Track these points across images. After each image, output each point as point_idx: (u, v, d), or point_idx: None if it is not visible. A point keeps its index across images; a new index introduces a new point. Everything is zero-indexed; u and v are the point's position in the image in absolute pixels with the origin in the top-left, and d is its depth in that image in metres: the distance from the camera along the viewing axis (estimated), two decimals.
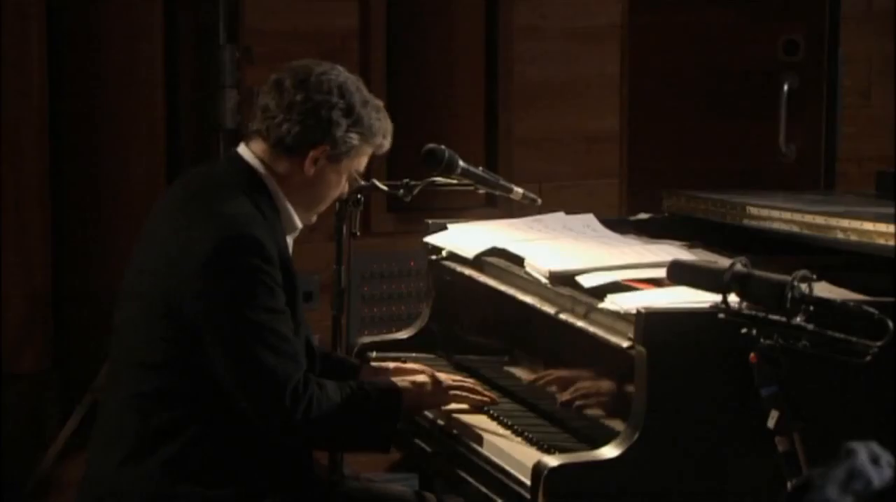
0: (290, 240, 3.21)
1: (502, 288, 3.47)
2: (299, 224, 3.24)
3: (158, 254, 3.11)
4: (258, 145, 3.20)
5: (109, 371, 3.25)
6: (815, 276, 2.56)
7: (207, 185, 3.20)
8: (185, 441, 3.04)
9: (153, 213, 3.24)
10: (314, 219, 3.32)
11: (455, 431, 3.28)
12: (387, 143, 3.29)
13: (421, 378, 3.31)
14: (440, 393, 3.30)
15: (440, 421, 3.35)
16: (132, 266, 3.20)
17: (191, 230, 3.07)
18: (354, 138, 3.18)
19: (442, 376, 3.35)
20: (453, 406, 3.34)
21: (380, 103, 3.27)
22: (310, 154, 3.16)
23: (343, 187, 3.28)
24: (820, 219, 3.46)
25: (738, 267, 2.62)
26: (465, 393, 3.34)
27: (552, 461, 2.84)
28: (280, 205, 3.19)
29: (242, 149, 3.22)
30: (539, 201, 3.80)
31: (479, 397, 3.35)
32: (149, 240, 3.19)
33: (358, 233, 3.68)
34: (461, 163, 3.68)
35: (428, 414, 3.39)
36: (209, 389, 3.03)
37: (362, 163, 3.27)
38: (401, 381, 3.28)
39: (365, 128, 3.20)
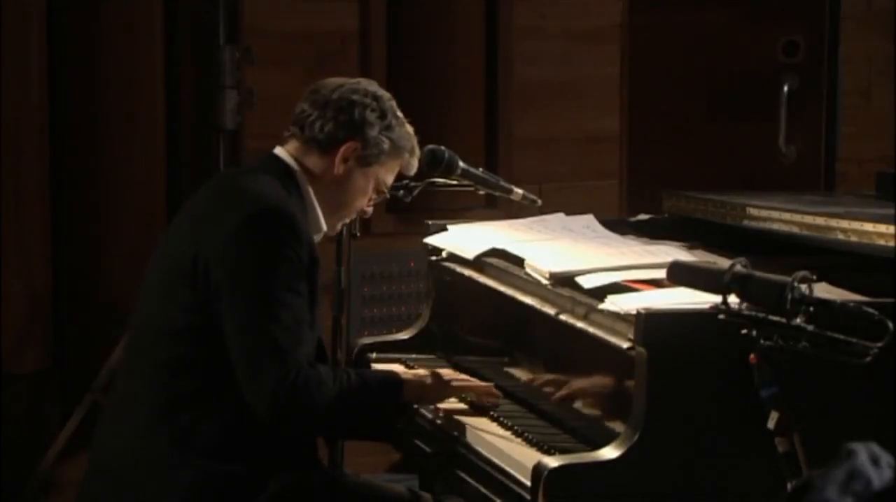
0: None
1: (502, 289, 3.47)
2: (324, 227, 3.27)
3: (189, 227, 3.16)
4: (291, 145, 3.27)
5: (128, 342, 3.28)
6: (815, 277, 2.56)
7: (241, 173, 3.30)
8: (197, 413, 3.06)
9: (185, 205, 3.29)
10: (339, 227, 3.37)
11: (455, 432, 3.28)
12: (414, 163, 3.35)
13: (423, 371, 3.34)
14: (443, 386, 3.31)
15: (440, 422, 3.35)
16: (159, 246, 3.25)
17: (224, 203, 3.14)
18: (385, 143, 3.25)
19: (445, 372, 3.36)
20: (454, 404, 3.35)
21: (407, 124, 3.33)
22: (341, 150, 3.21)
23: (369, 198, 3.30)
24: (820, 220, 3.46)
25: (738, 267, 2.62)
26: (469, 384, 3.34)
27: (552, 462, 2.84)
28: (308, 204, 3.23)
29: (277, 150, 3.28)
30: (539, 202, 3.80)
31: (483, 385, 3.35)
32: (179, 221, 3.25)
33: (358, 234, 3.69)
34: (461, 163, 3.69)
35: (428, 414, 3.39)
36: (224, 363, 3.04)
37: (389, 176, 3.32)
38: (403, 373, 3.30)
39: (395, 137, 3.27)
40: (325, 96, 3.25)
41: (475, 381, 3.41)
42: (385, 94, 3.30)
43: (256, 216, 3.07)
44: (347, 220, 3.38)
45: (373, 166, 3.26)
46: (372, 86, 3.31)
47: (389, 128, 3.26)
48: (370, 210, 3.39)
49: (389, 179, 3.33)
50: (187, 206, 3.27)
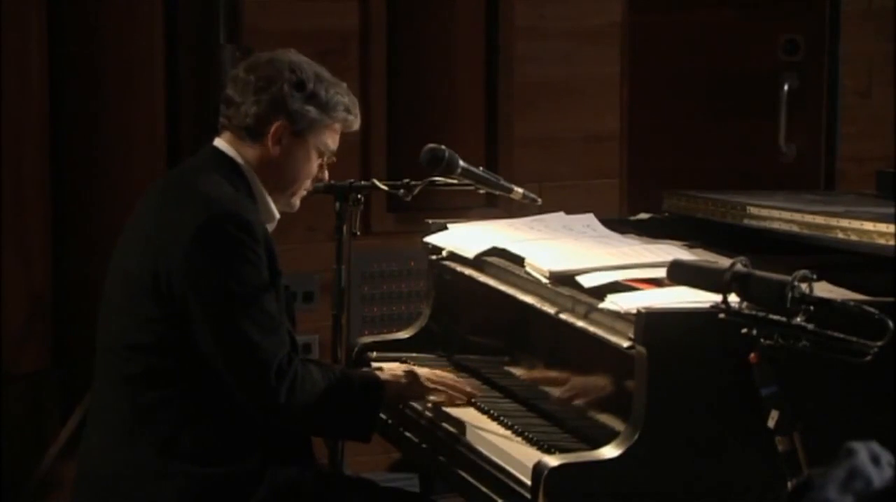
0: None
1: (502, 288, 3.47)
2: (276, 214, 3.28)
3: (144, 238, 3.14)
4: (227, 136, 3.27)
5: (97, 357, 3.26)
6: (815, 276, 2.56)
7: (188, 173, 3.26)
8: (176, 419, 3.07)
9: (135, 210, 3.28)
10: (297, 204, 3.34)
11: (455, 431, 3.28)
12: (353, 118, 3.31)
13: (399, 371, 3.36)
14: (418, 384, 3.34)
15: (441, 422, 3.35)
16: (115, 257, 3.24)
17: (176, 211, 3.12)
18: (312, 111, 3.22)
19: (422, 371, 3.38)
20: (433, 398, 3.37)
21: (341, 82, 3.30)
22: (270, 131, 3.21)
23: (316, 166, 3.29)
24: (820, 219, 3.46)
25: (738, 267, 2.61)
26: (442, 388, 3.37)
27: (552, 461, 2.85)
28: (257, 194, 3.23)
29: (217, 142, 3.28)
30: (539, 201, 3.80)
31: (456, 394, 3.37)
32: (132, 229, 3.23)
33: (358, 233, 3.68)
34: (461, 162, 3.68)
35: (429, 413, 3.39)
36: (199, 367, 3.06)
37: (330, 139, 3.29)
38: (381, 373, 3.32)
39: (322, 103, 3.24)
40: (244, 80, 3.23)
41: (450, 377, 3.43)
42: (303, 61, 3.27)
43: (210, 222, 3.05)
44: (304, 193, 3.36)
45: (307, 136, 3.24)
46: (290, 55, 3.27)
47: (313, 97, 3.23)
48: (325, 176, 3.36)
49: (332, 142, 3.30)
50: (137, 215, 3.25)
